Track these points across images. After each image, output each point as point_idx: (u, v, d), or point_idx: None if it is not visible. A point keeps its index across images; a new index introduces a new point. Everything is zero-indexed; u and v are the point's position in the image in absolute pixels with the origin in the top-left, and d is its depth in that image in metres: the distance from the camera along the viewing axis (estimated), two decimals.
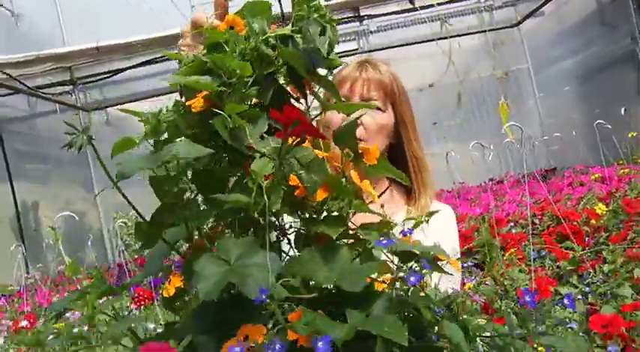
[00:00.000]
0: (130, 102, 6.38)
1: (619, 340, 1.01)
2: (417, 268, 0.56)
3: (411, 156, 1.28)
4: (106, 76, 6.57)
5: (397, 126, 1.27)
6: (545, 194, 2.50)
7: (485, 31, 6.56)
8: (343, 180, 0.59)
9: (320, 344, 0.45)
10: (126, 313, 1.85)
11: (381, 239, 0.57)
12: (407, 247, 0.58)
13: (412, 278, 0.55)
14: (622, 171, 2.58)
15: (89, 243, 5.88)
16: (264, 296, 0.48)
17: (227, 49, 0.60)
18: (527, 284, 1.34)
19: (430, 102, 6.94)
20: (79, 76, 6.61)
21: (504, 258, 1.70)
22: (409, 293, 0.56)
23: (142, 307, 1.81)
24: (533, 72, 6.84)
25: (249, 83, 0.59)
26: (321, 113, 0.69)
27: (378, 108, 1.22)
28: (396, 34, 6.78)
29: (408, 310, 0.56)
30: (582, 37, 6.95)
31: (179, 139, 0.61)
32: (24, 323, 1.89)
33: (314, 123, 0.67)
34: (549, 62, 6.96)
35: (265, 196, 0.54)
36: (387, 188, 1.27)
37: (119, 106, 6.50)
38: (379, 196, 1.18)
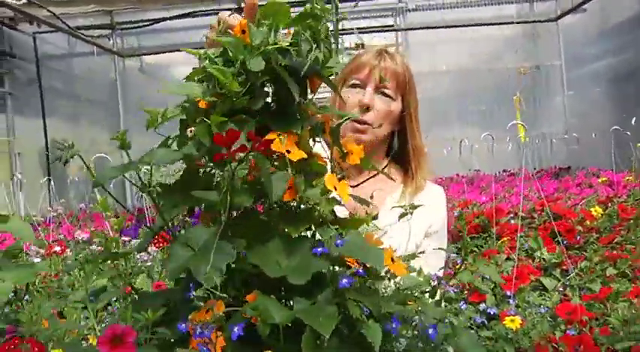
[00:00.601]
0: (165, 52, 6.53)
1: (578, 325, 1.15)
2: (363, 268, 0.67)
3: (412, 143, 1.41)
4: (144, 24, 6.71)
5: (402, 114, 1.39)
6: (545, 191, 2.62)
7: (523, 22, 6.52)
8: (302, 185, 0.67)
9: (236, 329, 0.58)
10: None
11: (338, 239, 0.66)
12: (350, 251, 0.66)
13: (344, 281, 0.63)
14: (627, 178, 2.69)
15: (111, 185, 6.15)
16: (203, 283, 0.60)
17: (230, 55, 0.69)
18: (509, 272, 1.49)
19: (458, 85, 6.98)
20: (119, 21, 6.76)
21: (496, 245, 1.84)
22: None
23: (160, 249, 2.01)
24: (565, 69, 6.80)
25: (244, 91, 0.67)
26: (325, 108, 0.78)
27: (389, 96, 1.34)
28: (433, 15, 6.78)
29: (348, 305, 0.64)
30: (621, 39, 6.85)
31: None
32: (57, 248, 2.10)
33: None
34: (583, 61, 6.90)
35: (228, 196, 0.63)
36: (385, 166, 1.41)
37: (154, 55, 6.67)
38: (374, 176, 1.32)
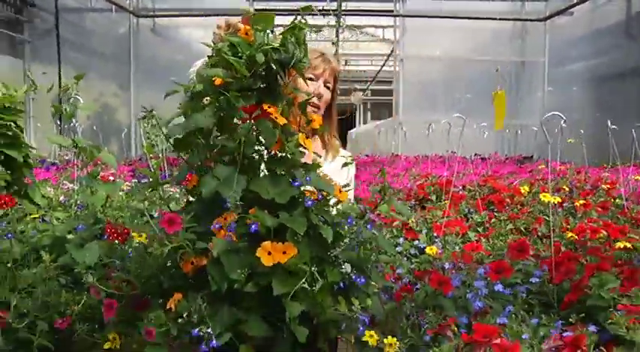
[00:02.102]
0: (178, 16, 6.94)
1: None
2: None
3: (332, 120, 1.86)
4: None
5: (332, 100, 1.84)
6: (499, 173, 3.18)
7: (513, 19, 7.00)
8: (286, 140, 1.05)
9: (253, 226, 0.97)
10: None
11: (306, 175, 1.05)
12: (315, 184, 1.06)
13: (309, 202, 1.00)
14: (561, 167, 3.25)
15: (122, 135, 6.62)
16: (227, 199, 0.99)
17: (239, 52, 1.01)
18: (441, 220, 2.05)
19: (448, 72, 7.47)
20: None
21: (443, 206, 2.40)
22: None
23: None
24: (548, 66, 7.31)
25: (250, 75, 1.00)
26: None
27: (328, 88, 1.79)
28: (432, 4, 7.22)
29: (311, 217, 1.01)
30: (602, 43, 7.38)
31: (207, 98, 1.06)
32: (110, 178, 2.62)
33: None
34: (565, 60, 7.42)
35: (242, 146, 1.02)
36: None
37: (167, 18, 7.06)
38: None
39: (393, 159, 4.84)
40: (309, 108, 1.73)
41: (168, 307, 0.98)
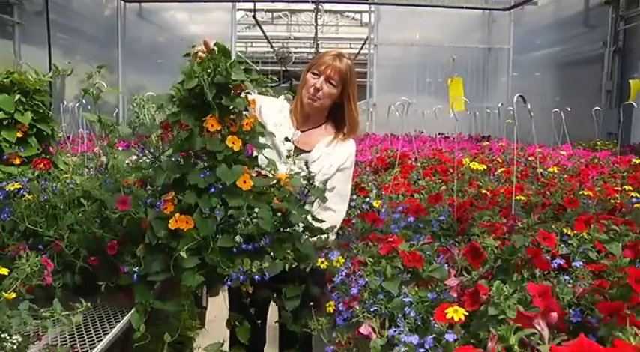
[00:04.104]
0: (162, 1, 7.27)
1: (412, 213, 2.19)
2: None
3: (348, 114, 2.17)
4: None
5: (342, 96, 2.13)
6: (452, 148, 3.68)
7: (480, 8, 7.48)
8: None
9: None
10: None
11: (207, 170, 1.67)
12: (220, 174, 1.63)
13: (212, 189, 1.66)
14: (501, 144, 3.76)
15: (114, 114, 6.97)
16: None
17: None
18: (389, 183, 2.54)
19: (420, 58, 7.95)
20: None
21: (395, 173, 2.89)
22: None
23: None
24: (513, 53, 7.84)
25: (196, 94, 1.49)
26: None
27: (333, 85, 2.07)
28: None
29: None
30: (563, 32, 7.94)
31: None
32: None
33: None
34: (529, 48, 7.96)
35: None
36: (322, 124, 2.19)
37: (152, 3, 7.39)
38: (317, 127, 2.26)
39: (363, 138, 5.32)
40: (305, 99, 2.12)
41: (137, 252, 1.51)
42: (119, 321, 1.52)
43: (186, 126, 1.50)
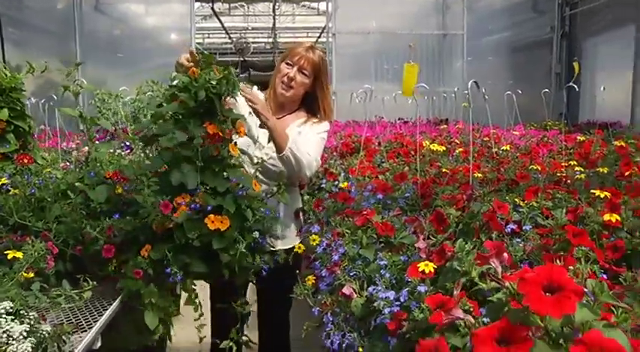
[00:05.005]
0: None
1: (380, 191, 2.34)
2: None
3: (322, 101, 2.34)
4: None
5: (314, 85, 2.30)
6: (411, 132, 3.86)
7: None
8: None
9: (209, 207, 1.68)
10: None
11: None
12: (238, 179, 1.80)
13: (239, 192, 1.75)
14: (458, 126, 3.97)
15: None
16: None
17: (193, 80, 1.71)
18: (356, 166, 2.68)
19: (378, 45, 8.12)
20: None
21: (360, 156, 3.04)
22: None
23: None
24: (467, 38, 8.10)
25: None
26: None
27: (305, 75, 2.23)
28: None
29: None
30: (514, 17, 8.27)
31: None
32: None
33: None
34: (482, 33, 8.25)
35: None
36: (295, 111, 2.37)
37: None
38: (290, 114, 2.41)
39: None
40: (279, 88, 2.24)
41: (142, 254, 1.61)
42: (111, 305, 1.61)
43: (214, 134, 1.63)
